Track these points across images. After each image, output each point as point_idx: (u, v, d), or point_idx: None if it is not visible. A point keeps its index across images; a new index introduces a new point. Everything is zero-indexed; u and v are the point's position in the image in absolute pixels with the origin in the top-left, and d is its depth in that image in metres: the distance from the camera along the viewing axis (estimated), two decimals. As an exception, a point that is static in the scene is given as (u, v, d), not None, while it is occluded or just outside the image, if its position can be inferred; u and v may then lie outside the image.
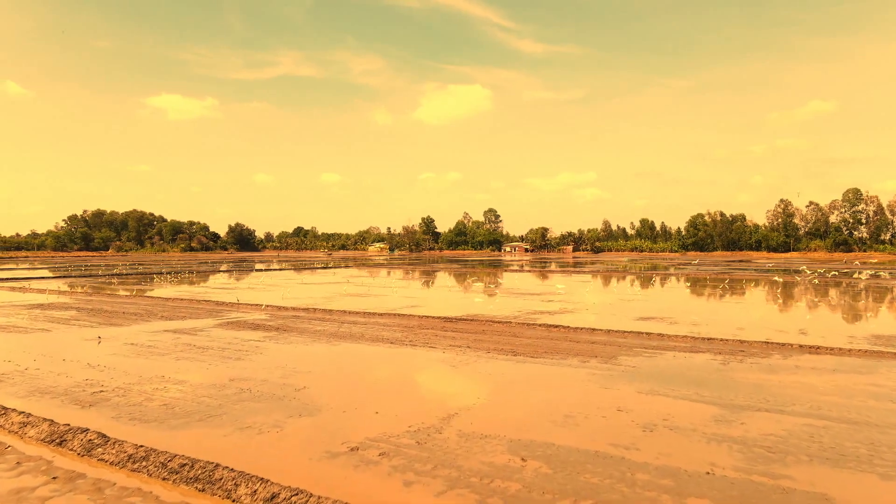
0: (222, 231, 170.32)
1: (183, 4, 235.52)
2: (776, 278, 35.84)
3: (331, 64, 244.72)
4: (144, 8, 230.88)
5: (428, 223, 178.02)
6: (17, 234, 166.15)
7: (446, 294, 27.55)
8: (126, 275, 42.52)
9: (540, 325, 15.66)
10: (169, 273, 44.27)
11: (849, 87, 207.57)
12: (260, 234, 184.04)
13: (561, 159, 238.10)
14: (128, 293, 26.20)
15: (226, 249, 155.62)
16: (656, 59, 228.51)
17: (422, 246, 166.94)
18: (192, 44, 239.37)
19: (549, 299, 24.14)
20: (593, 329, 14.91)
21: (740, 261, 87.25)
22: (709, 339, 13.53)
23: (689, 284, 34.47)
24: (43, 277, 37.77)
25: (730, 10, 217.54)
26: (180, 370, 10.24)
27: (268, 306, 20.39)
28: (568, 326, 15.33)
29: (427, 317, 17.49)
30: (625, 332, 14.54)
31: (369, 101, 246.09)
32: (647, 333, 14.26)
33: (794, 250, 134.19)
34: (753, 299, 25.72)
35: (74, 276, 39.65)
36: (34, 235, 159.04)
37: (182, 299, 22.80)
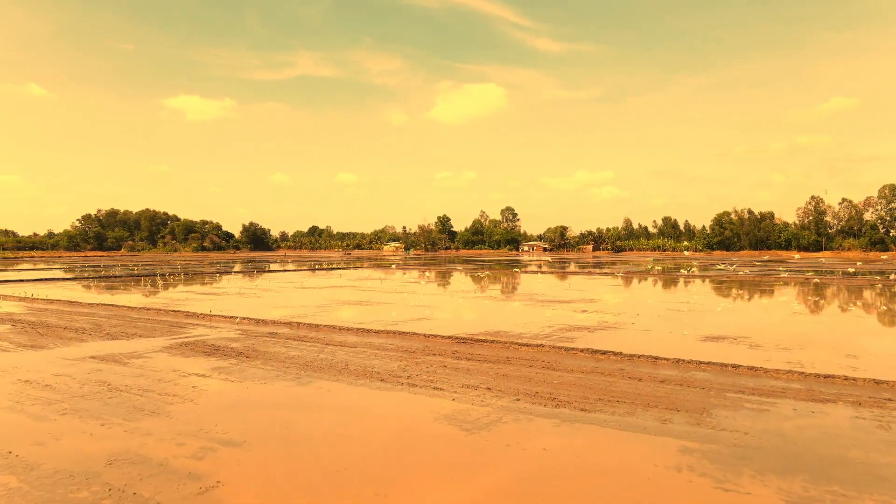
0: (237, 230, 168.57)
1: (202, 6, 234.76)
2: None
3: (348, 64, 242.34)
4: (164, 10, 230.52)
5: (444, 222, 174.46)
6: (35, 234, 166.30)
7: (461, 301, 23.89)
8: (118, 277, 39.49)
9: (581, 351, 11.90)
10: (165, 274, 41.19)
11: (871, 83, 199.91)
12: (276, 233, 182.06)
13: (577, 158, 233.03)
14: (95, 301, 22.93)
15: (238, 249, 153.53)
16: (674, 57, 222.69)
17: (438, 245, 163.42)
18: (210, 45, 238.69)
19: (583, 308, 20.34)
20: (656, 358, 11.13)
21: (773, 260, 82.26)
22: (825, 375, 9.69)
23: (737, 289, 30.37)
24: (22, 280, 34.84)
25: (748, 6, 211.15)
26: (49, 437, 6.70)
27: (244, 319, 16.90)
28: (620, 353, 11.56)
29: (435, 336, 13.84)
30: (700, 362, 10.74)
31: (385, 100, 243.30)
32: (732, 366, 10.43)
33: (826, 249, 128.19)
34: (826, 307, 21.65)
35: (59, 279, 36.68)
36: (50, 235, 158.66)
37: (149, 308, 19.42)
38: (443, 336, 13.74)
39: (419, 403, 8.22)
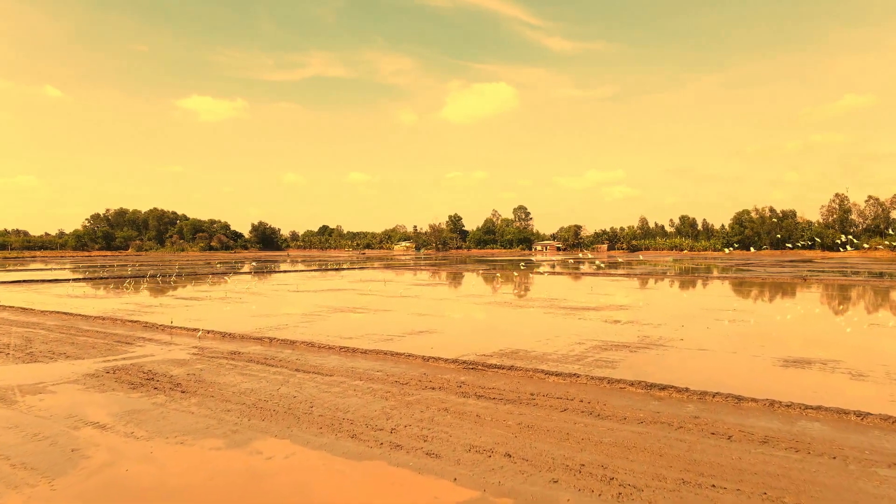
0: (246, 230, 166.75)
1: (215, 7, 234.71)
2: None
3: (360, 64, 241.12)
4: (177, 11, 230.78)
5: (455, 221, 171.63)
6: (46, 234, 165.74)
7: (471, 308, 20.91)
8: (105, 278, 36.95)
9: (632, 385, 8.85)
10: (157, 275, 38.60)
11: (886, 80, 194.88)
12: (286, 233, 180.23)
13: (588, 157, 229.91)
14: (52, 308, 20.23)
15: (247, 249, 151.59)
16: (688, 55, 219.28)
17: (448, 245, 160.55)
18: (223, 46, 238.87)
19: (614, 318, 17.27)
20: (738, 397, 8.05)
21: (801, 260, 78.29)
22: None
23: (782, 292, 27.10)
24: (3, 282, 32.34)
25: (761, 4, 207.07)
26: None
27: (209, 332, 14.03)
28: (686, 388, 8.49)
29: (437, 359, 10.85)
30: (804, 406, 7.65)
31: (396, 100, 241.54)
32: (855, 413, 7.32)
33: (852, 249, 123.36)
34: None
35: (38, 281, 34.17)
36: (60, 235, 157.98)
37: (105, 318, 16.64)
38: (446, 359, 10.75)
39: (401, 488, 5.25)
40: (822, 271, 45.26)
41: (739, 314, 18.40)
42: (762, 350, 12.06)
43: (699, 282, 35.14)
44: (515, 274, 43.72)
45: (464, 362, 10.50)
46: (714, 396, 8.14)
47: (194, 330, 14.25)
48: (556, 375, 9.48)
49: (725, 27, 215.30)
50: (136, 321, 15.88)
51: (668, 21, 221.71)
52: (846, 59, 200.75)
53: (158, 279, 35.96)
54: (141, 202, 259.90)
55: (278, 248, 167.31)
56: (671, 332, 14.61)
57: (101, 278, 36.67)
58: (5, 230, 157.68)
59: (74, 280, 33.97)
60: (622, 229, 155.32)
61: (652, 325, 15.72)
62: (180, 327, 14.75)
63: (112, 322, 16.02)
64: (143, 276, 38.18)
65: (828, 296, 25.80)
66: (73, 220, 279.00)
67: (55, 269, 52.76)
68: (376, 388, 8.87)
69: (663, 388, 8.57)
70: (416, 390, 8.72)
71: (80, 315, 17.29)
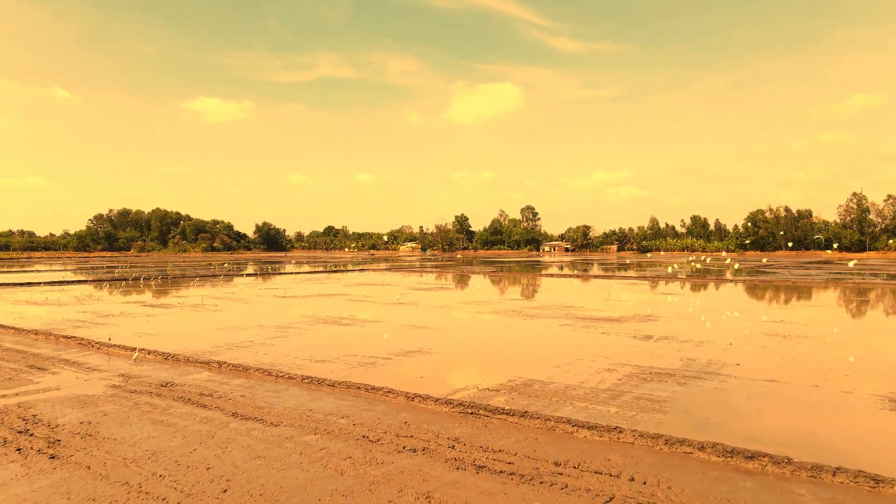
0: (251, 230, 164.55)
1: (223, 9, 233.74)
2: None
3: (367, 65, 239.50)
4: (186, 13, 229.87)
5: (461, 221, 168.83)
6: (51, 235, 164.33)
7: (474, 319, 18.19)
8: (84, 281, 34.52)
9: (701, 449, 6.09)
10: (139, 278, 36.11)
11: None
12: (291, 233, 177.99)
13: (595, 157, 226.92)
14: None
15: (250, 249, 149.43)
16: (695, 55, 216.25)
17: (455, 245, 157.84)
18: (231, 48, 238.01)
19: (645, 333, 14.52)
20: (874, 479, 5.28)
21: (821, 261, 74.96)
22: None
23: (821, 297, 24.23)
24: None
25: (766, 4, 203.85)
26: None
27: (150, 353, 11.40)
28: (788, 459, 5.72)
29: (425, 397, 8.14)
30: (985, 495, 4.90)
31: (403, 101, 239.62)
32: None
33: (870, 249, 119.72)
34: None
35: (9, 285, 31.74)
36: (64, 236, 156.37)
37: (39, 333, 14.03)
38: (436, 399, 8.03)
39: None
40: (853, 274, 42.21)
41: (791, 327, 15.57)
42: (850, 382, 9.28)
43: (726, 286, 32.24)
44: (524, 277, 40.99)
45: (460, 403, 7.78)
46: (835, 474, 5.39)
47: (132, 349, 11.61)
48: (589, 429, 6.74)
49: (731, 27, 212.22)
50: (72, 337, 13.27)
51: (674, 21, 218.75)
52: (854, 59, 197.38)
53: (141, 282, 33.47)
54: (148, 203, 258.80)
55: (283, 249, 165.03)
56: (720, 352, 11.84)
57: (81, 281, 34.22)
58: (10, 231, 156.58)
59: (46, 283, 31.49)
60: (631, 230, 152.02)
61: (693, 343, 12.96)
62: (119, 345, 12.12)
63: (45, 338, 13.43)
64: (127, 279, 35.71)
65: (875, 302, 22.91)
66: (79, 221, 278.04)
67: (44, 270, 50.51)
68: (333, 449, 6.19)
69: (751, 456, 5.82)
70: (388, 454, 6.03)
71: (13, 328, 14.73)
